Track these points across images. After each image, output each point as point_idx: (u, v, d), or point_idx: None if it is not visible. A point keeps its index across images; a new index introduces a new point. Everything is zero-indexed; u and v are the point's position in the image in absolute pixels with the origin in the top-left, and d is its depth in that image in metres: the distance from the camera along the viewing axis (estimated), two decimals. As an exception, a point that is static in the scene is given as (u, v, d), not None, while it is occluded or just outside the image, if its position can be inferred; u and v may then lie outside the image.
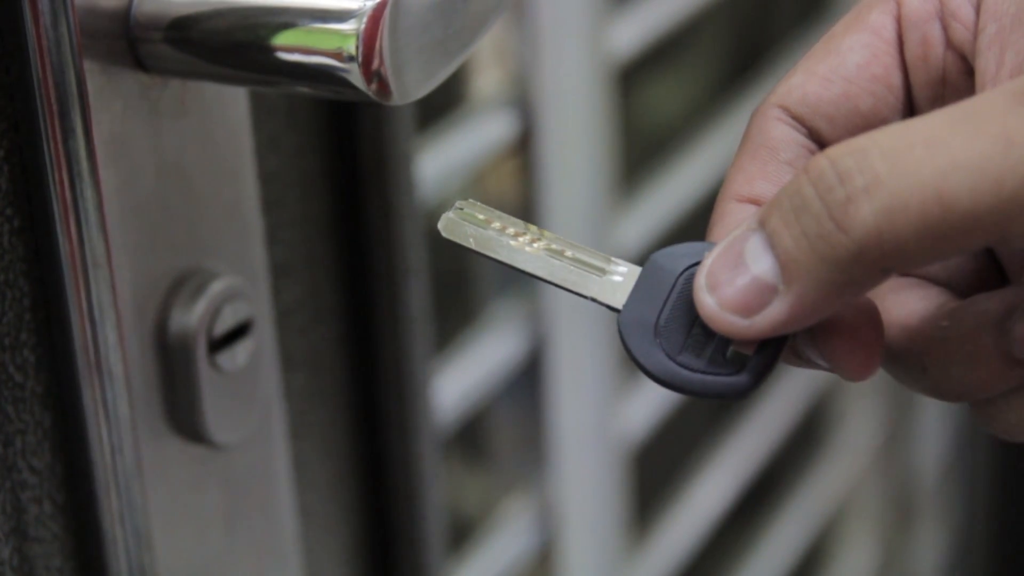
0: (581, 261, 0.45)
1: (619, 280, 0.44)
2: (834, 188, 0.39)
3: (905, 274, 0.46)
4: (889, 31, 0.45)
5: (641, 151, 1.03)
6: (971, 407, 0.45)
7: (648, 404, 1.00)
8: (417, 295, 0.65)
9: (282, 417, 0.58)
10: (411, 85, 0.47)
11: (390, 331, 0.64)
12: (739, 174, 0.45)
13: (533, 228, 0.45)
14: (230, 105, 0.53)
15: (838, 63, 0.45)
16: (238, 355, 0.54)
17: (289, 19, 0.47)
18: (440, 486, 0.69)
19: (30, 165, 0.48)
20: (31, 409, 0.50)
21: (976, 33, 0.44)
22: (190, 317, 0.52)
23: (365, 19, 0.45)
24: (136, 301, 0.51)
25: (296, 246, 0.60)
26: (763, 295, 0.41)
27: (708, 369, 0.43)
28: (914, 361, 0.44)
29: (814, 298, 0.40)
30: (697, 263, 0.43)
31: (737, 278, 0.41)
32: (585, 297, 0.45)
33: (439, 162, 0.76)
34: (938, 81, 0.45)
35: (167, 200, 0.51)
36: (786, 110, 0.45)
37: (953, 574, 1.55)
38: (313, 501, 0.64)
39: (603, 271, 0.44)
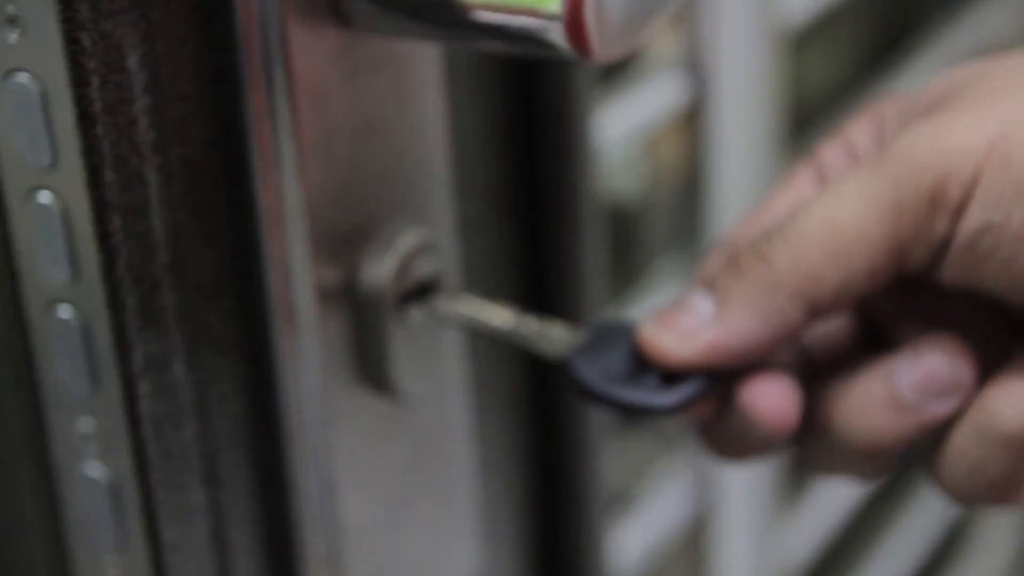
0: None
1: (563, 335, 0.51)
2: (762, 241, 0.49)
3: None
4: (809, 183, 0.53)
5: (803, 119, 1.02)
6: (933, 481, 0.50)
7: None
8: (592, 253, 0.65)
9: (464, 371, 0.59)
10: (612, 44, 0.47)
11: (566, 290, 0.64)
12: None
13: None
14: (424, 62, 0.54)
15: (766, 216, 0.53)
16: (428, 310, 0.55)
17: (491, -24, 0.47)
18: (606, 448, 0.69)
19: (232, 116, 0.49)
20: (228, 358, 0.51)
21: None
22: (381, 270, 0.53)
23: (569, -24, 0.45)
24: (330, 253, 0.52)
25: (477, 203, 0.61)
26: (699, 322, 0.48)
27: (637, 389, 0.49)
28: (821, 420, 0.50)
29: (742, 322, 0.48)
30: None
31: (679, 312, 0.49)
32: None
33: (611, 125, 0.76)
34: None
35: (362, 154, 0.52)
36: None
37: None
38: (487, 455, 0.64)
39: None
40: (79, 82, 0.44)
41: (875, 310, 0.53)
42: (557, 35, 0.46)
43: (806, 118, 1.03)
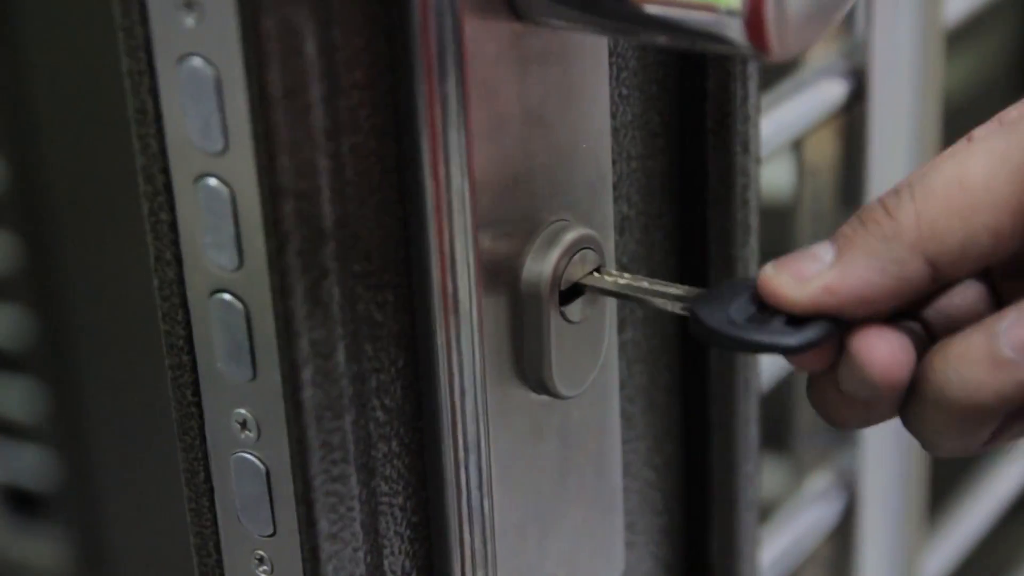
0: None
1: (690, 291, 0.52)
2: (889, 196, 0.49)
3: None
4: None
5: (950, 119, 1.01)
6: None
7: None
8: (748, 260, 0.64)
9: (615, 372, 0.58)
10: (790, 40, 0.46)
11: (720, 292, 0.63)
12: None
13: None
14: (592, 56, 0.53)
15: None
16: (585, 307, 0.54)
17: (669, -31, 0.46)
18: (757, 451, 0.68)
19: (402, 106, 0.48)
20: (387, 349, 0.51)
21: None
22: (544, 266, 0.52)
23: (751, -29, 0.45)
24: (493, 246, 0.51)
25: (635, 202, 0.60)
26: (818, 267, 0.49)
27: (762, 330, 0.49)
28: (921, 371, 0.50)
29: (860, 269, 0.48)
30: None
31: (800, 258, 0.49)
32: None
33: (767, 125, 0.75)
34: None
35: (529, 148, 0.51)
36: None
37: None
38: (633, 455, 0.63)
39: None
40: (259, 67, 0.44)
41: (1000, 288, 0.52)
42: (735, 31, 0.45)
43: (953, 118, 1.01)
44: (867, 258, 0.48)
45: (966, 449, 0.51)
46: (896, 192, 0.49)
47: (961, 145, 0.50)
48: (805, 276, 0.49)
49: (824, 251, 0.49)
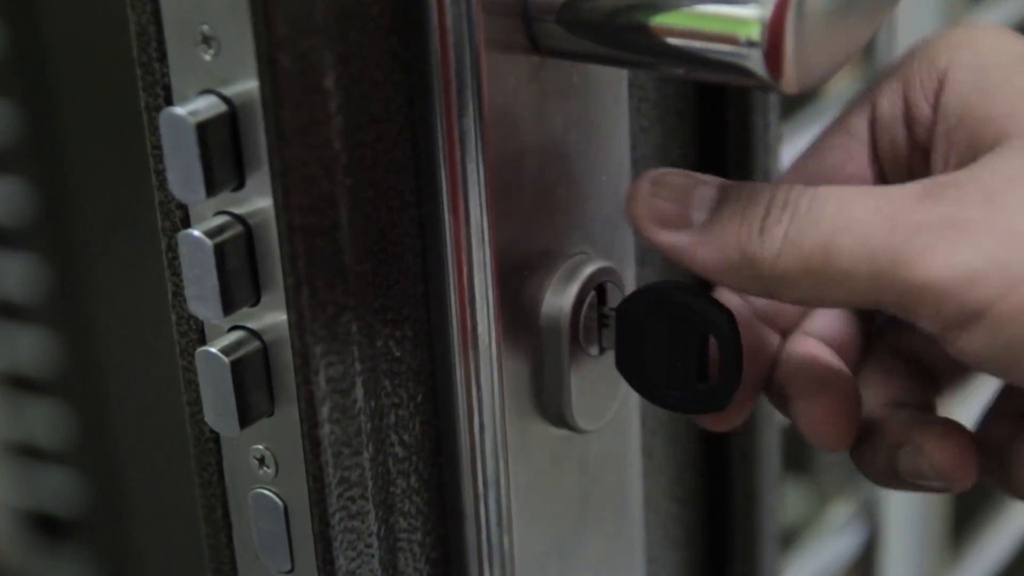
0: None
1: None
2: (776, 206, 0.46)
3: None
4: (864, 133, 0.50)
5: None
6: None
7: (975, 404, 0.97)
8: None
9: (636, 405, 0.58)
10: (811, 72, 0.46)
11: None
12: None
13: None
14: (611, 88, 0.53)
15: (819, 163, 0.50)
16: (605, 340, 0.54)
17: (688, 1, 0.46)
18: (779, 484, 0.68)
19: (421, 140, 0.48)
20: (406, 384, 0.50)
21: (933, 131, 0.48)
22: (563, 300, 0.52)
23: (771, 4, 0.44)
24: (512, 280, 0.51)
25: (655, 233, 0.60)
26: (680, 224, 0.47)
27: (691, 394, 0.50)
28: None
29: (709, 255, 0.46)
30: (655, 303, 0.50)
31: (675, 196, 0.47)
32: None
33: (788, 154, 0.75)
34: (907, 175, 0.49)
35: (548, 182, 0.51)
36: None
37: None
38: (654, 488, 0.63)
39: None
40: (276, 102, 0.43)
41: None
42: (755, 63, 0.45)
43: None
44: (719, 251, 0.46)
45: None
46: (783, 205, 0.46)
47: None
48: (663, 224, 0.47)
49: (701, 201, 0.47)
